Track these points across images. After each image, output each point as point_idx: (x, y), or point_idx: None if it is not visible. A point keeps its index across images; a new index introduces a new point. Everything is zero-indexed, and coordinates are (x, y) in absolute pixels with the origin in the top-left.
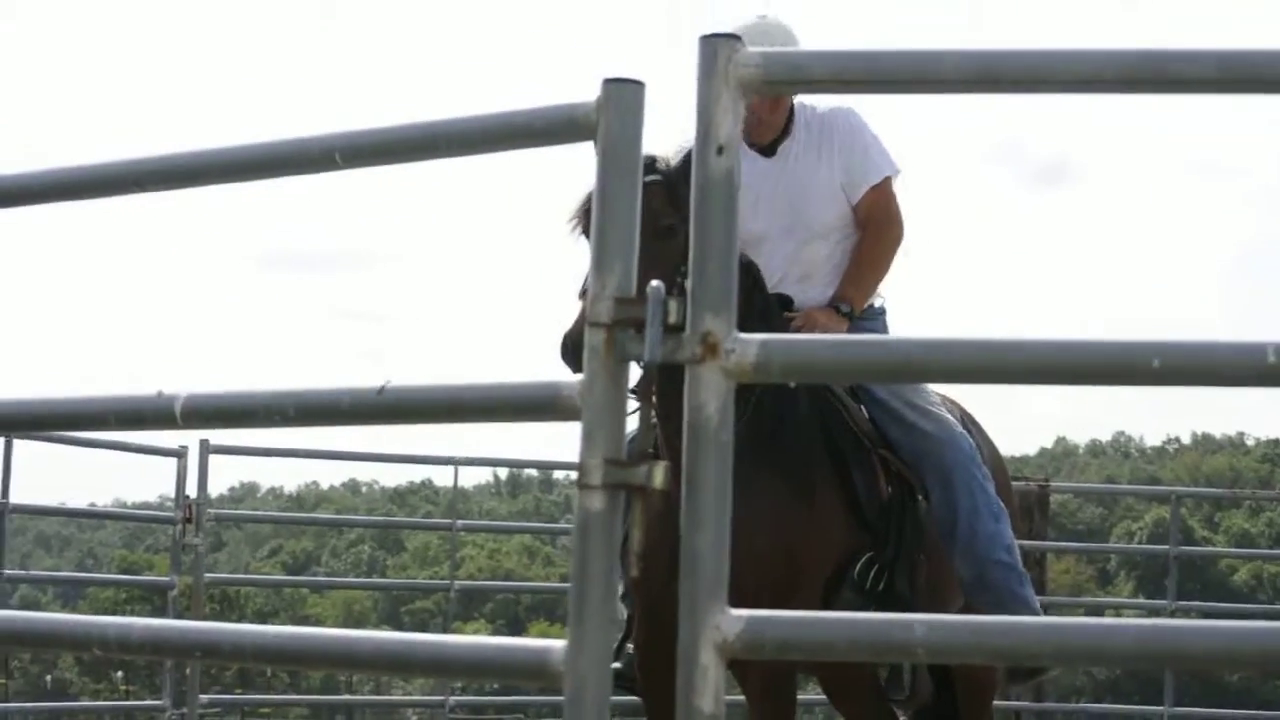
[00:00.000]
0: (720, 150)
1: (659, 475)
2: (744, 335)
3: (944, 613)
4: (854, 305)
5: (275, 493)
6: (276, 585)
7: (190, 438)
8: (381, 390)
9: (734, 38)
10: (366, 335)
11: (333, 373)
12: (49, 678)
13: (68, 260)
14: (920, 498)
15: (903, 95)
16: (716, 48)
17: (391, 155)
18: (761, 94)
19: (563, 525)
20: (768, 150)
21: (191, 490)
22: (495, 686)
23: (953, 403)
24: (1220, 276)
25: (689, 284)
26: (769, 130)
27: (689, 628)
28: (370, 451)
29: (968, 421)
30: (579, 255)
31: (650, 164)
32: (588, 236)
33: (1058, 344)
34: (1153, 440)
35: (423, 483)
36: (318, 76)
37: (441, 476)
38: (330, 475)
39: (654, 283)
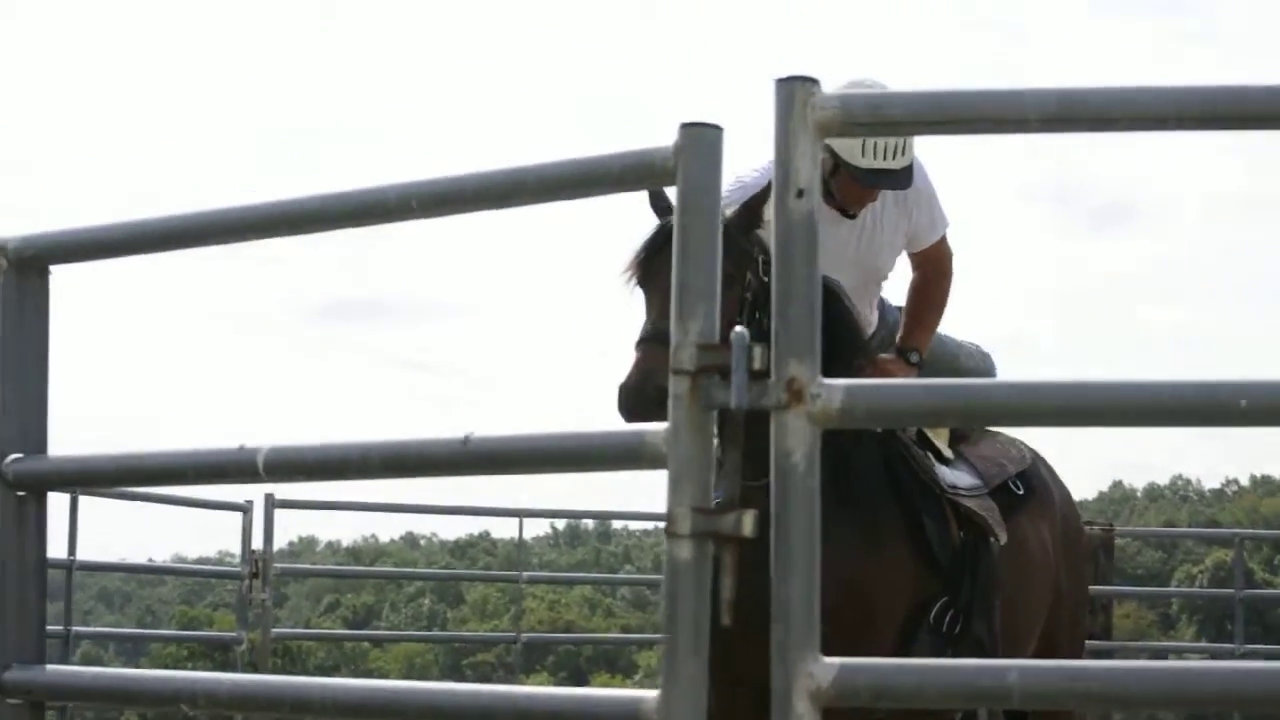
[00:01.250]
0: (800, 194)
1: (748, 523)
2: (828, 380)
3: (1020, 655)
4: (920, 352)
5: (333, 547)
6: (343, 639)
7: (256, 492)
8: (467, 440)
9: (811, 80)
10: (427, 386)
11: (401, 425)
12: None
13: (112, 315)
14: (992, 539)
15: (980, 136)
16: (794, 90)
17: (470, 203)
18: (841, 135)
19: (623, 576)
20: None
21: (256, 544)
22: None
23: (1024, 445)
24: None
25: (772, 329)
26: (862, 206)
27: (781, 675)
28: (432, 504)
29: (1038, 463)
30: (634, 305)
31: None
32: (642, 288)
33: (1144, 385)
34: (1210, 483)
35: (481, 535)
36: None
37: (500, 529)
38: (388, 529)
39: (738, 329)
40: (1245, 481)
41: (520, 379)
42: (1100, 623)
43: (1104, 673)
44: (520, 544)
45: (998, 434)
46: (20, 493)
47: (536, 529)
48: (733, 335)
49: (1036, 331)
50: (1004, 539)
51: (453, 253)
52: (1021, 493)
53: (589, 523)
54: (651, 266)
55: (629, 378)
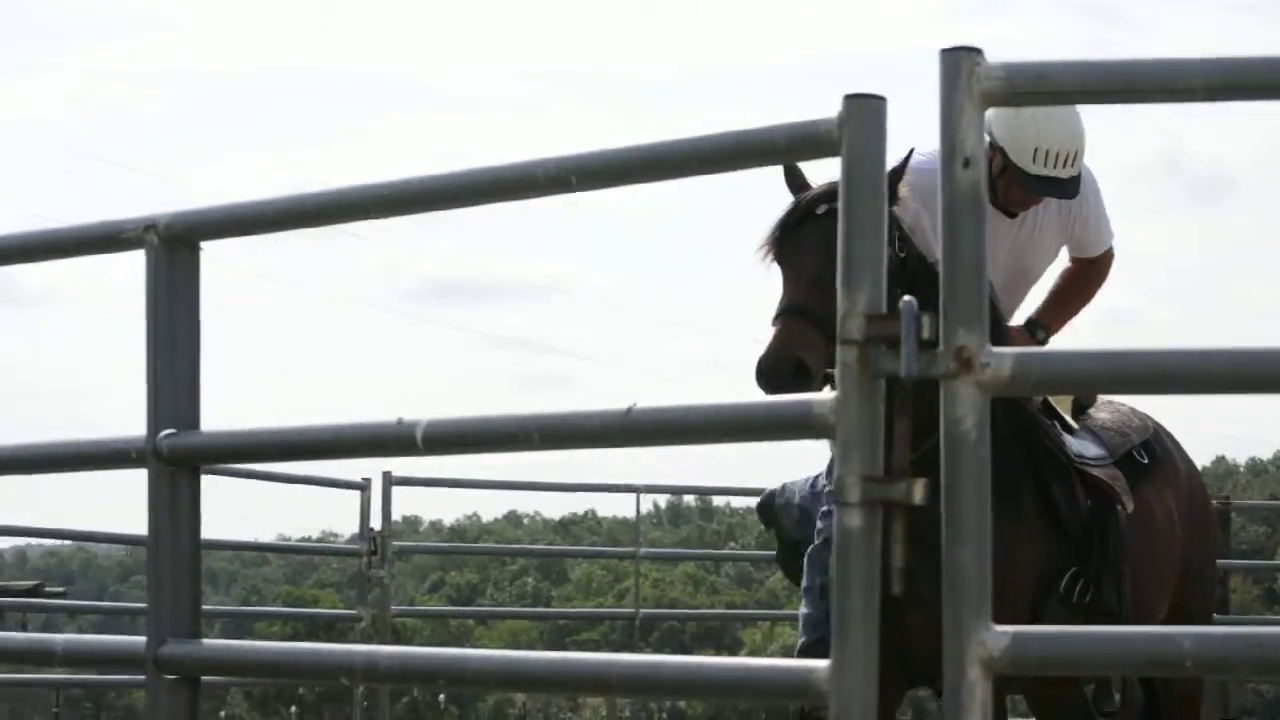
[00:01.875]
0: (967, 163)
1: (918, 491)
2: (998, 349)
3: (1149, 623)
4: (1049, 332)
5: (436, 526)
6: (462, 617)
7: (374, 469)
8: (630, 411)
9: (976, 50)
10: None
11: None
12: (222, 714)
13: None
14: (1119, 508)
15: (1148, 105)
16: (959, 60)
17: (630, 175)
18: (1006, 104)
19: (734, 552)
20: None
21: (374, 523)
22: None
23: (1146, 415)
24: None
25: (940, 299)
26: (1025, 209)
27: (954, 644)
28: (545, 481)
29: (1161, 434)
30: (770, 282)
31: (832, 193)
32: (779, 264)
33: None
34: None
35: (586, 514)
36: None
37: (605, 506)
38: (491, 508)
39: (906, 298)
40: None
41: (625, 358)
42: (1219, 596)
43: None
44: (639, 519)
45: (1119, 404)
46: (173, 468)
47: (640, 507)
48: (901, 304)
49: (1138, 307)
50: (1131, 507)
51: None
52: (1146, 462)
53: (690, 501)
54: (787, 243)
55: (768, 350)
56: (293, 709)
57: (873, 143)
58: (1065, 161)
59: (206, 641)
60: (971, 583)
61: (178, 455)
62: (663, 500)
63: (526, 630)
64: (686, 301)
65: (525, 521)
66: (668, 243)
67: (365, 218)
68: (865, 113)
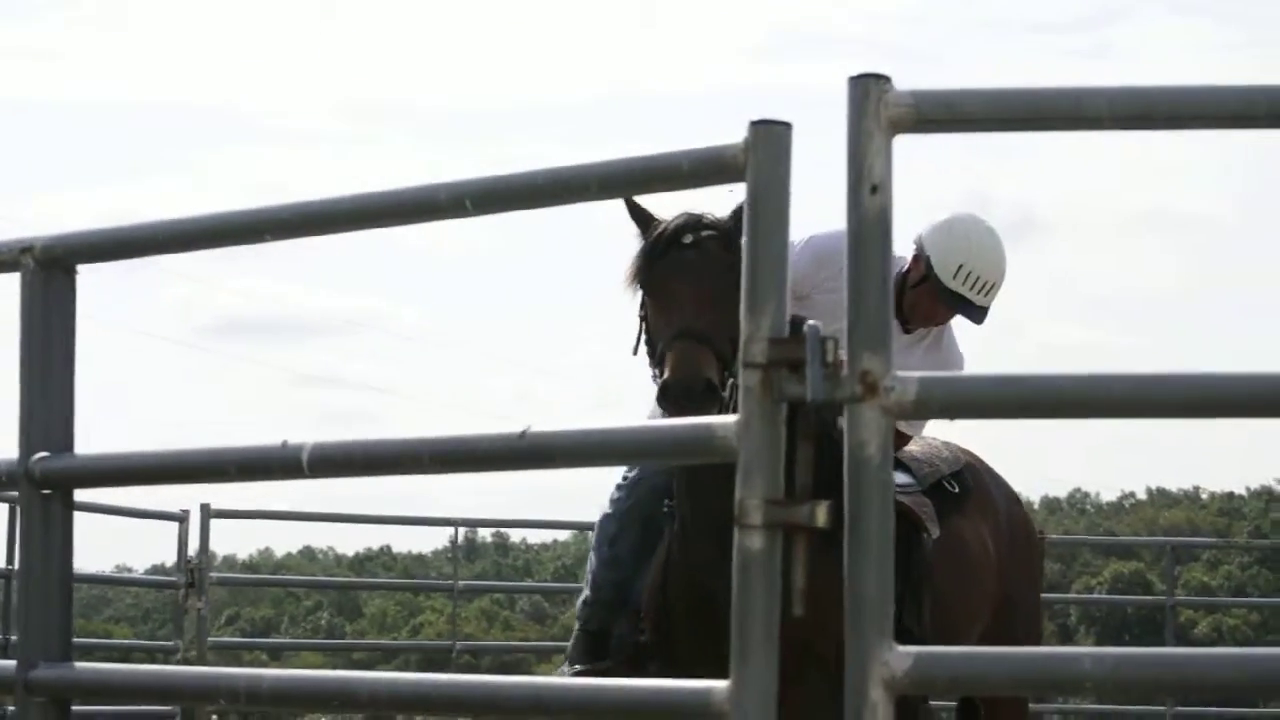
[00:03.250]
0: (874, 189)
1: (822, 514)
2: (902, 374)
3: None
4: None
5: (230, 561)
6: (284, 649)
7: (191, 501)
8: (524, 434)
9: (884, 77)
10: (339, 402)
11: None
12: None
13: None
14: (924, 534)
15: (1055, 133)
16: (867, 87)
17: (528, 200)
18: (914, 131)
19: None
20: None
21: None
22: None
23: (956, 447)
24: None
25: (845, 324)
26: (925, 325)
27: (857, 664)
28: (369, 513)
29: (977, 466)
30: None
31: (699, 220)
32: (651, 292)
33: (1216, 377)
34: (1109, 496)
35: (381, 549)
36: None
37: (400, 542)
38: (285, 542)
39: (810, 322)
40: (1142, 495)
41: (433, 394)
42: (1042, 628)
43: (1183, 660)
44: (455, 551)
45: (930, 438)
46: (46, 491)
47: (436, 542)
48: (806, 329)
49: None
50: (936, 534)
51: (337, 266)
52: (956, 491)
53: (486, 536)
54: (657, 271)
55: (677, 370)
56: None
57: (778, 168)
58: (983, 288)
59: (78, 665)
60: (873, 604)
61: (51, 478)
62: (460, 535)
63: (323, 664)
64: (495, 337)
65: (319, 556)
66: (476, 279)
67: (258, 240)
68: (770, 138)
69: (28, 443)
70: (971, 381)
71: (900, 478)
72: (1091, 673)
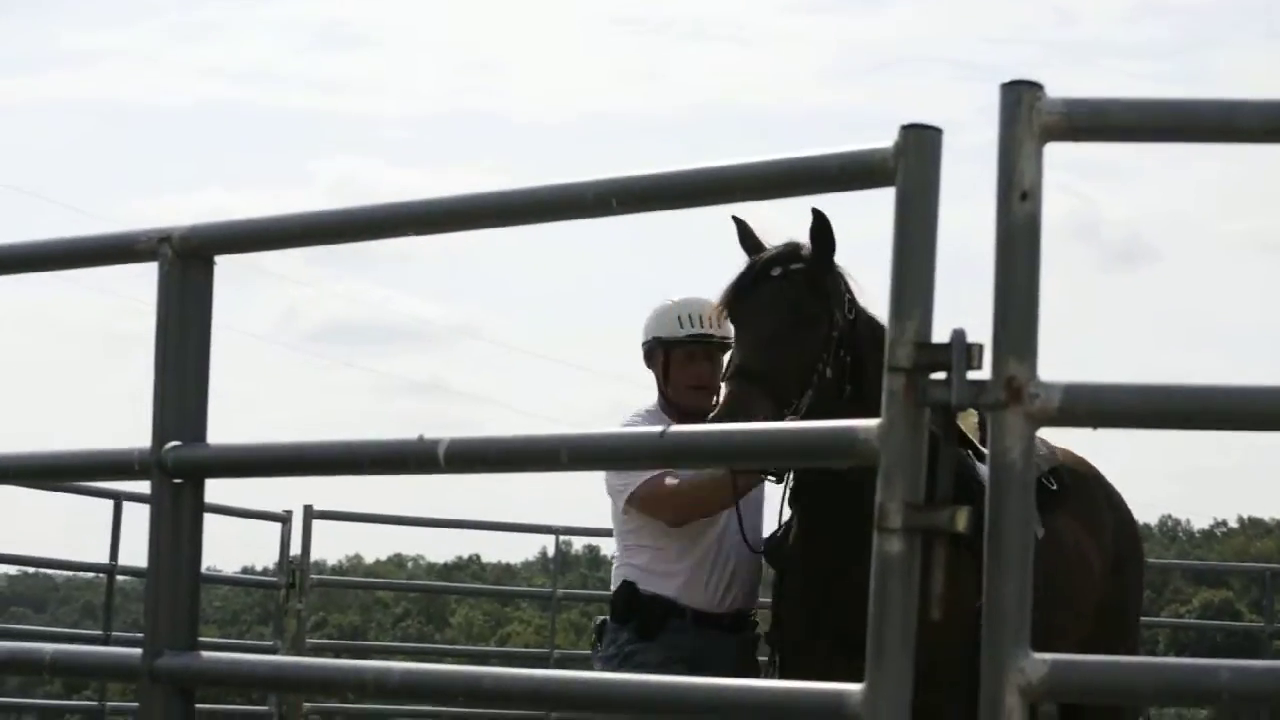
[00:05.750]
0: (1024, 196)
1: (962, 519)
2: (1047, 380)
3: (1057, 645)
4: None
5: (319, 567)
6: (385, 651)
7: (295, 503)
8: (664, 434)
9: (1036, 84)
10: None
11: None
12: None
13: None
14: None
15: (1204, 145)
16: (1020, 94)
17: (673, 200)
18: (1065, 139)
19: None
20: None
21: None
22: None
23: (1053, 445)
24: None
25: (992, 328)
26: (706, 392)
27: (993, 671)
28: (475, 519)
29: (1087, 471)
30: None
31: (795, 252)
32: (734, 324)
33: None
34: (1200, 524)
35: (471, 558)
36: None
37: (490, 552)
38: (375, 549)
39: (957, 327)
40: (1234, 523)
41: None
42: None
43: None
44: (556, 557)
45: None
46: (177, 480)
47: (525, 552)
48: (952, 334)
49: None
50: (1041, 532)
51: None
52: (1055, 488)
53: (579, 548)
54: (742, 304)
55: (719, 410)
56: None
57: (928, 173)
58: (709, 321)
59: (204, 654)
60: (1012, 611)
61: (183, 467)
62: (551, 547)
63: None
64: (593, 349)
65: (409, 565)
66: (579, 290)
67: (396, 235)
68: (921, 143)
69: (161, 432)
70: (1117, 391)
71: None
72: (1229, 684)
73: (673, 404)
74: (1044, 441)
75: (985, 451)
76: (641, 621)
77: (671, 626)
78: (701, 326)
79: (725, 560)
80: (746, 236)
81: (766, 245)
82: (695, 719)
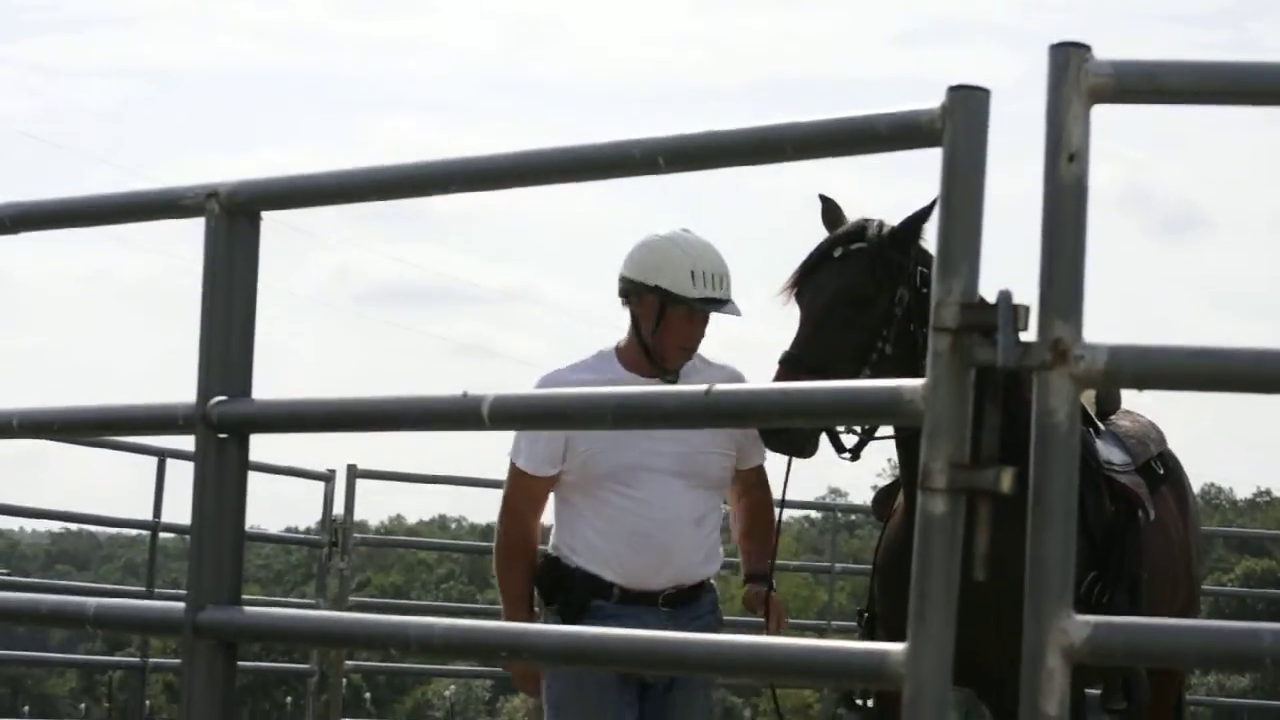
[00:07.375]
0: (1072, 158)
1: (1007, 479)
2: (1093, 342)
3: None
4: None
5: (360, 526)
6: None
7: (338, 461)
8: (709, 391)
9: (1084, 46)
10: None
11: None
12: None
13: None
14: (1141, 513)
15: (1256, 110)
16: (1068, 55)
17: (722, 158)
18: (1114, 101)
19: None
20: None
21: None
22: None
23: (1160, 429)
24: None
25: (1038, 290)
26: (687, 357)
27: (1035, 631)
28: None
29: (1172, 452)
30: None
31: (860, 231)
32: (798, 305)
33: None
34: (1243, 493)
35: None
36: None
37: None
38: (418, 509)
39: (1003, 288)
40: (1278, 492)
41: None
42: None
43: None
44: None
45: (1137, 414)
46: (222, 435)
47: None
48: (999, 295)
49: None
50: (1153, 515)
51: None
52: (1162, 473)
53: None
54: (804, 285)
55: None
56: None
57: (975, 134)
58: (720, 283)
59: (247, 609)
60: (1055, 571)
61: (228, 422)
62: None
63: None
64: None
65: (452, 526)
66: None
67: (443, 192)
68: (969, 104)
69: (206, 387)
70: (1165, 352)
71: (1118, 455)
72: (1272, 648)
73: (652, 355)
74: (1153, 424)
75: (1101, 427)
76: (564, 603)
77: (594, 609)
78: (716, 290)
79: (662, 531)
80: (828, 212)
81: (847, 221)
82: (736, 676)
